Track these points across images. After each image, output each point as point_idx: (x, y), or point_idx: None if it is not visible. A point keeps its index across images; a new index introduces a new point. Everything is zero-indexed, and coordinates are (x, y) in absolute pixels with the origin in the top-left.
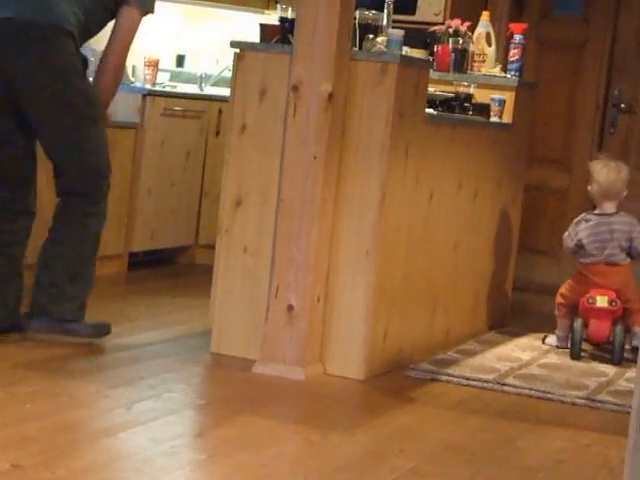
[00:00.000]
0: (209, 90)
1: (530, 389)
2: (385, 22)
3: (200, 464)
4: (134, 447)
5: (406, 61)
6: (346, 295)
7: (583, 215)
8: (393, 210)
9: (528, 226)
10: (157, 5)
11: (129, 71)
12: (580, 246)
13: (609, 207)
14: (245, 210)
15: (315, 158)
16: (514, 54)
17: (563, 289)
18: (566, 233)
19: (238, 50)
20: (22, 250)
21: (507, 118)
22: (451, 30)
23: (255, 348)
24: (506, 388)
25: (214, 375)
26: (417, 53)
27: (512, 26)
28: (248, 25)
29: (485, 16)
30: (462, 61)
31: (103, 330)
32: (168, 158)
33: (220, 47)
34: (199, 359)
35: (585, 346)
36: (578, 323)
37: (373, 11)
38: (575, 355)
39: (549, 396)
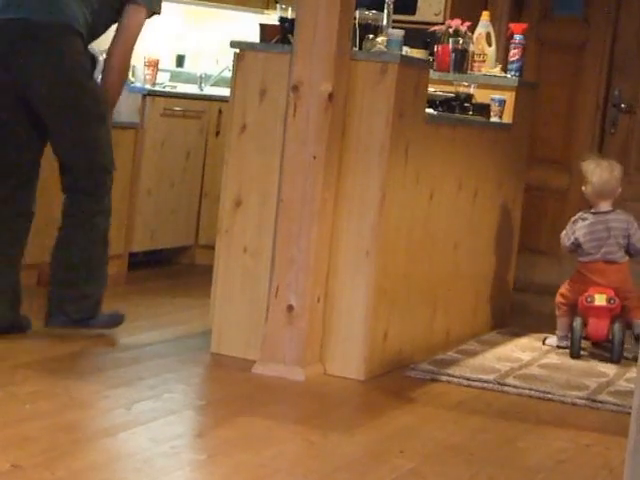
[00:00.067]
0: (209, 90)
1: (530, 389)
2: (385, 22)
3: (200, 464)
4: (134, 447)
5: (406, 61)
6: (346, 295)
7: (580, 214)
8: (393, 210)
9: (528, 226)
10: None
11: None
12: (577, 245)
13: (605, 205)
14: (245, 210)
15: (315, 158)
16: (514, 54)
17: (563, 289)
18: (563, 232)
19: (238, 50)
20: (22, 250)
21: (507, 118)
22: (451, 30)
23: (255, 348)
24: (506, 388)
25: (214, 375)
26: (417, 53)
27: (512, 26)
28: (248, 25)
29: (485, 16)
30: (462, 61)
31: (118, 320)
32: (168, 158)
33: (220, 47)
34: (199, 359)
35: (585, 345)
36: (577, 322)
37: (373, 11)
38: (575, 354)
39: (549, 396)
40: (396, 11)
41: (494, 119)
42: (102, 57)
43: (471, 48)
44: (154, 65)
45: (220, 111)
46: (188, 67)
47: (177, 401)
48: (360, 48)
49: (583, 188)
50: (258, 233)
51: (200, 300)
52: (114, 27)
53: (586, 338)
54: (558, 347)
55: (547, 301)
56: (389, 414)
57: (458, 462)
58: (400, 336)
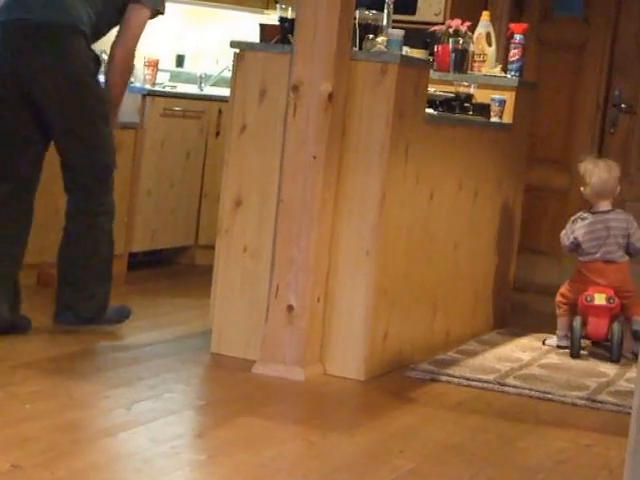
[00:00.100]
0: (209, 90)
1: (530, 389)
2: (385, 22)
3: (200, 464)
4: (134, 447)
5: (406, 61)
6: (346, 295)
7: (579, 213)
8: (393, 210)
9: (528, 226)
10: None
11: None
12: (577, 244)
13: (604, 205)
14: (245, 210)
15: (315, 158)
16: (514, 54)
17: (563, 288)
18: (563, 231)
19: (238, 50)
20: (23, 249)
21: (507, 118)
22: (451, 30)
23: (255, 348)
24: (506, 388)
25: (214, 375)
26: (417, 53)
27: (512, 26)
28: (248, 25)
29: (485, 16)
30: (462, 61)
31: (125, 314)
32: (168, 158)
33: (220, 47)
34: (199, 359)
35: (584, 344)
36: (577, 321)
37: (373, 11)
38: (574, 353)
39: (549, 396)
40: (396, 11)
41: (494, 119)
42: (104, 56)
43: (471, 48)
44: (154, 65)
45: (220, 111)
46: (188, 67)
47: (177, 401)
48: (360, 48)
49: (582, 189)
50: (258, 233)
51: (200, 300)
52: (117, 28)
53: (586, 337)
54: (558, 347)
55: (547, 301)
56: (389, 414)
57: (458, 462)
58: (400, 336)
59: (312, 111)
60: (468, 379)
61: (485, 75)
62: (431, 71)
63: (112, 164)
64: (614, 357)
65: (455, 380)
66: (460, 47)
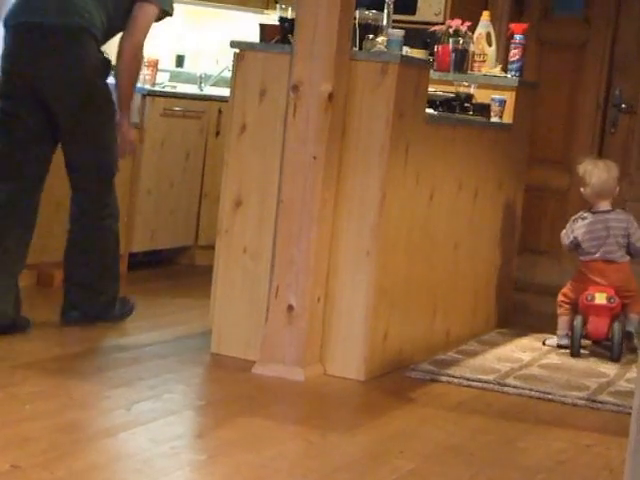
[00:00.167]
0: (209, 90)
1: (531, 390)
2: (385, 22)
3: (200, 465)
4: (134, 448)
5: (406, 61)
6: (346, 295)
7: (580, 213)
8: (393, 210)
9: (529, 226)
10: None
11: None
12: (577, 244)
13: (604, 205)
14: (245, 210)
15: (315, 158)
16: (514, 54)
17: (565, 289)
18: (563, 231)
19: (238, 50)
20: (27, 249)
21: (507, 118)
22: (451, 30)
23: (255, 349)
24: (506, 389)
25: (214, 376)
26: (417, 53)
27: (513, 26)
28: (248, 25)
29: (485, 16)
30: (462, 61)
31: (130, 310)
32: (168, 158)
33: (220, 47)
34: (199, 360)
35: (585, 343)
36: (578, 321)
37: (373, 11)
38: (575, 352)
39: (550, 397)
40: (396, 11)
41: (494, 119)
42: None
43: (471, 48)
44: (154, 65)
45: (220, 111)
46: (188, 67)
47: (177, 401)
48: (360, 48)
49: (582, 189)
50: (258, 233)
51: (200, 300)
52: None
53: (586, 337)
54: (558, 346)
55: (547, 301)
56: (389, 414)
57: (458, 463)
58: (400, 336)
59: (312, 111)
60: (468, 379)
61: (485, 75)
62: (431, 71)
63: (115, 167)
64: (615, 356)
65: (455, 380)
66: (460, 47)
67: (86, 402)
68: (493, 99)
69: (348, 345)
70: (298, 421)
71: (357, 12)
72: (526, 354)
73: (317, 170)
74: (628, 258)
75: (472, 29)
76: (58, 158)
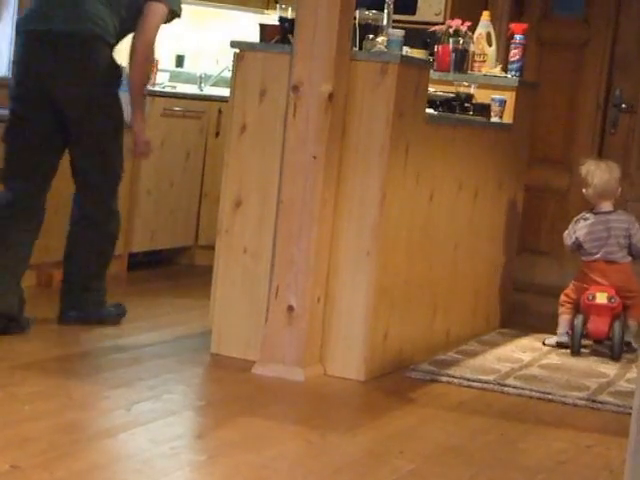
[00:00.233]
0: (209, 90)
1: (531, 390)
2: (385, 22)
3: (200, 465)
4: (134, 448)
5: (406, 61)
6: (346, 296)
7: (582, 214)
8: (393, 210)
9: (529, 226)
10: None
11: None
12: (578, 244)
13: (606, 206)
14: (245, 211)
15: (315, 158)
16: (515, 54)
17: (567, 289)
18: (566, 231)
19: (238, 50)
20: (31, 250)
21: (508, 118)
22: (451, 30)
23: (255, 349)
24: (507, 389)
25: (214, 376)
26: (417, 53)
27: (513, 26)
28: (248, 25)
29: (485, 16)
30: (462, 61)
31: (123, 311)
32: (168, 158)
33: (220, 47)
34: (199, 360)
35: (585, 343)
36: (579, 320)
37: (373, 11)
38: (575, 351)
39: (550, 397)
40: (396, 11)
41: (494, 119)
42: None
43: (471, 48)
44: (154, 65)
45: (220, 111)
46: (188, 67)
47: (177, 402)
48: (360, 48)
49: (584, 190)
50: (258, 233)
51: (200, 301)
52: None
53: (587, 336)
54: (557, 344)
55: (547, 301)
56: (389, 415)
57: (458, 463)
58: (400, 336)
59: (312, 111)
60: (468, 380)
61: (485, 75)
62: (431, 71)
63: (120, 168)
64: (615, 355)
65: (455, 381)
66: (460, 47)
67: (86, 402)
68: (493, 99)
69: (348, 345)
70: (298, 421)
71: (357, 12)
72: (526, 354)
73: (317, 170)
74: (629, 259)
75: (472, 29)
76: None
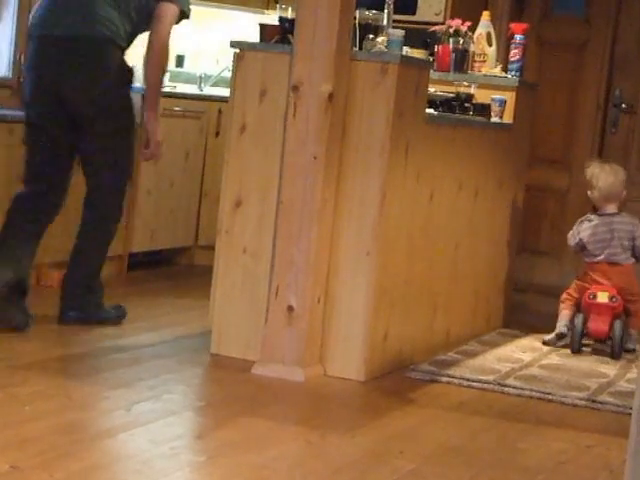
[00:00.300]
0: (209, 90)
1: (531, 390)
2: (385, 22)
3: (200, 465)
4: (134, 448)
5: (406, 61)
6: (346, 296)
7: (586, 215)
8: (393, 210)
9: (529, 226)
10: None
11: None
12: (582, 246)
13: (611, 208)
14: (245, 211)
15: (315, 158)
16: (515, 54)
17: (570, 288)
18: (570, 232)
19: (238, 50)
20: (37, 247)
21: (508, 118)
22: (451, 30)
23: (255, 349)
24: (507, 389)
25: (214, 376)
26: (417, 53)
27: (513, 26)
28: (248, 25)
29: (486, 16)
30: (462, 61)
31: (123, 312)
32: (168, 158)
33: (220, 47)
34: (199, 360)
35: (585, 342)
36: (579, 318)
37: (373, 11)
38: (575, 349)
39: (550, 397)
40: (396, 11)
41: (494, 119)
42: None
43: (471, 48)
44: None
45: (220, 111)
46: (188, 67)
47: (177, 402)
48: (360, 48)
49: (589, 192)
50: (258, 233)
51: (200, 301)
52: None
53: (587, 335)
54: (556, 335)
55: (547, 301)
56: (389, 415)
57: (458, 463)
58: (400, 336)
59: (312, 111)
60: (468, 380)
61: (485, 75)
62: (431, 71)
63: (131, 168)
64: (615, 354)
65: (455, 381)
66: (460, 47)
67: (86, 403)
68: (493, 99)
69: (348, 345)
70: (298, 421)
71: (357, 12)
72: (526, 354)
73: (317, 170)
74: (633, 260)
75: (472, 29)
76: None
